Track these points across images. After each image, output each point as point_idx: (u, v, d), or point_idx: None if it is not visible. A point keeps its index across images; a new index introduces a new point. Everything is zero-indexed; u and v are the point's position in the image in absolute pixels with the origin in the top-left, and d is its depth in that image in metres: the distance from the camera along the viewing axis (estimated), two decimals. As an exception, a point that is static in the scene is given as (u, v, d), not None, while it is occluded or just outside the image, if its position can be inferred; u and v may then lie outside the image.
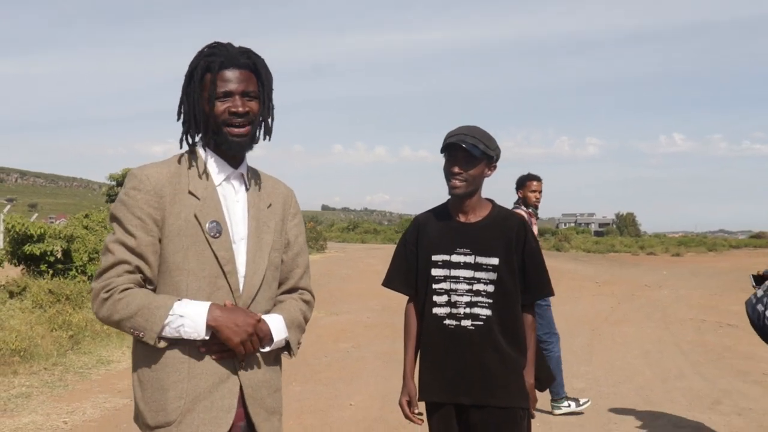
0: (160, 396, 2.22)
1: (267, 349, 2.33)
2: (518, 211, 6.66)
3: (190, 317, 2.18)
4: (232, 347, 2.22)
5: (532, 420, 3.21)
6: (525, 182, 6.81)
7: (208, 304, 2.22)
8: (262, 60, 2.40)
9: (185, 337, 2.18)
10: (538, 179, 6.81)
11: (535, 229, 6.86)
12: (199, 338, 2.19)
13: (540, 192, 6.83)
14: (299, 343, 2.48)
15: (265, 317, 2.34)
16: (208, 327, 2.19)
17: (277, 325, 2.35)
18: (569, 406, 6.64)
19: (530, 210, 6.78)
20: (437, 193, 3.15)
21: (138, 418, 2.30)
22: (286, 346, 2.42)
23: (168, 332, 2.18)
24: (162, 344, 2.19)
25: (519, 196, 6.80)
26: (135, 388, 2.29)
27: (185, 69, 2.41)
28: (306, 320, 2.52)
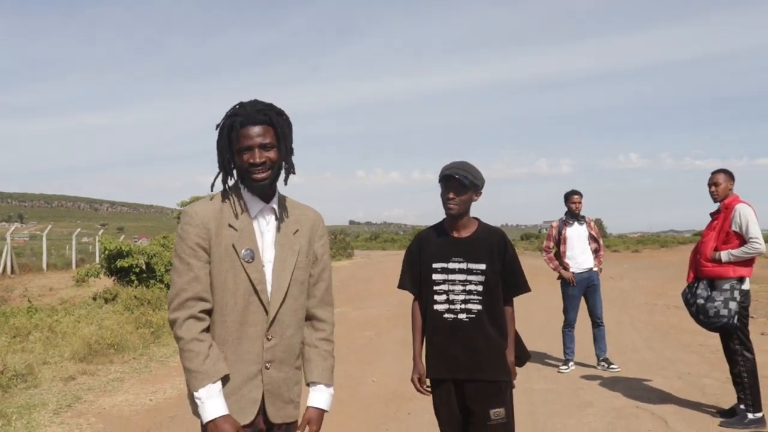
0: None
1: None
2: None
3: (205, 408, 2.14)
4: None
5: (513, 390, 3.26)
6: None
7: (224, 413, 2.14)
8: (281, 114, 2.32)
9: (198, 411, 2.16)
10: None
11: None
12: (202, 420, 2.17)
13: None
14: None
15: (314, 399, 2.37)
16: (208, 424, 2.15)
17: (325, 399, 2.39)
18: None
19: None
20: (441, 209, 3.25)
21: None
22: None
23: (194, 399, 2.18)
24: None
25: None
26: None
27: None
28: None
